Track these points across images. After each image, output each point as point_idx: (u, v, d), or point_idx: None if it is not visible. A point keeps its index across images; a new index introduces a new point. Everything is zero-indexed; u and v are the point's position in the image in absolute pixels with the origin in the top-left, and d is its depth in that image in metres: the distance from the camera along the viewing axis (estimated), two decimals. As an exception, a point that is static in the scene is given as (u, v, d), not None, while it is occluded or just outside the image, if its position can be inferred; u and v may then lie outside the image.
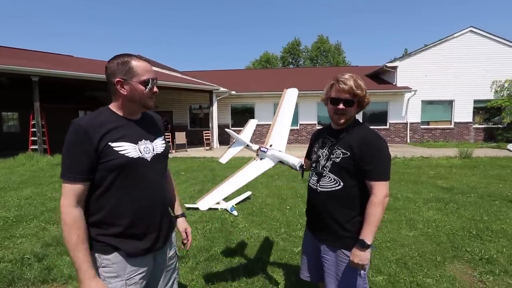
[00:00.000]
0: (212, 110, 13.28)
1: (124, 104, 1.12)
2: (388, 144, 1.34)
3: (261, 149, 1.82)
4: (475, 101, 14.15)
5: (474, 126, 14.36)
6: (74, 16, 79.43)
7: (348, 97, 1.34)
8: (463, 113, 14.26)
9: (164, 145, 1.24)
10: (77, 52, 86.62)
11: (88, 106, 14.79)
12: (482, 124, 14.38)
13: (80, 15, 79.42)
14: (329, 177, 1.38)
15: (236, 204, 4.32)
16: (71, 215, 0.99)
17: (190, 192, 5.25)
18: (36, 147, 9.29)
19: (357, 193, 1.35)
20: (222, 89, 13.41)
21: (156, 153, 1.17)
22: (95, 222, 1.06)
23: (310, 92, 13.29)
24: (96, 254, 1.06)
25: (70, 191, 1.00)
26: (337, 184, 1.36)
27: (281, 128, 1.91)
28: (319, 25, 73.17)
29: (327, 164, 1.39)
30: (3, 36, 70.97)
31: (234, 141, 2.35)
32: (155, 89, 1.15)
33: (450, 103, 14.37)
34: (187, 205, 4.24)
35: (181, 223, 1.41)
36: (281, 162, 1.68)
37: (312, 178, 1.49)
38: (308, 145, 1.70)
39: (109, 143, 1.03)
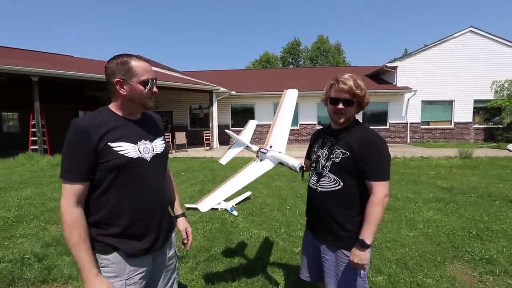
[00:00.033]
0: (212, 110, 13.28)
1: (124, 104, 1.12)
2: (388, 144, 1.34)
3: (261, 150, 1.82)
4: (475, 101, 14.15)
5: (474, 126, 14.36)
6: (74, 16, 79.60)
7: (348, 97, 1.34)
8: (463, 113, 14.26)
9: (164, 145, 1.24)
10: (77, 52, 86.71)
11: (88, 106, 14.79)
12: (482, 124, 14.38)
13: (80, 15, 79.60)
14: (329, 177, 1.38)
15: (236, 204, 4.32)
16: (71, 215, 0.99)
17: (190, 192, 5.25)
18: (36, 147, 9.29)
19: (357, 193, 1.35)
20: (222, 89, 13.42)
21: (156, 153, 1.17)
22: (95, 222, 1.06)
23: (310, 92, 13.29)
24: (96, 254, 1.06)
25: (70, 191, 1.00)
26: (336, 184, 1.36)
27: (281, 129, 1.91)
28: (319, 25, 73.31)
29: (327, 164, 1.39)
30: (3, 36, 71.12)
31: (234, 142, 2.35)
32: (155, 89, 1.15)
33: (450, 103, 14.37)
34: (187, 205, 4.24)
35: (182, 223, 1.40)
36: (281, 163, 1.68)
37: (312, 178, 1.49)
38: (308, 145, 1.70)
39: (109, 143, 1.03)
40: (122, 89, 1.08)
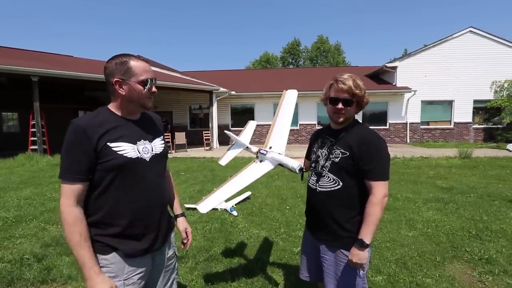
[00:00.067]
0: (212, 110, 13.28)
1: (123, 104, 1.12)
2: (388, 144, 1.35)
3: (261, 151, 1.82)
4: (475, 101, 14.16)
5: (473, 126, 14.37)
6: (74, 16, 79.60)
7: (347, 96, 1.34)
8: (462, 113, 14.27)
9: (163, 145, 1.24)
10: (77, 52, 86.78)
11: (87, 106, 14.79)
12: (481, 124, 14.39)
13: (80, 15, 79.61)
14: (328, 177, 1.38)
15: (235, 204, 4.32)
16: (72, 215, 0.99)
17: (190, 192, 5.24)
18: (35, 147, 9.28)
19: (357, 193, 1.35)
20: (222, 89, 13.42)
21: (155, 153, 1.17)
22: (94, 222, 1.06)
23: (310, 92, 13.29)
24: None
25: (70, 191, 1.00)
26: (336, 184, 1.36)
27: (281, 129, 1.91)
28: (319, 25, 73.37)
29: (326, 164, 1.39)
30: (3, 36, 71.07)
31: (233, 143, 2.35)
32: (154, 89, 1.15)
33: (449, 103, 14.38)
34: (187, 205, 4.24)
35: (181, 223, 1.40)
36: (280, 165, 1.68)
37: (312, 178, 1.49)
38: (308, 145, 1.70)
39: (108, 143, 1.03)
40: (121, 89, 1.08)
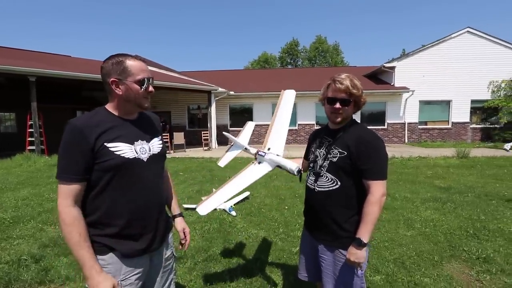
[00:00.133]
0: (211, 110, 13.27)
1: (120, 104, 1.12)
2: (386, 144, 1.35)
3: (259, 153, 1.82)
4: (472, 101, 14.23)
5: (471, 126, 14.44)
6: (74, 16, 79.26)
7: (345, 96, 1.34)
8: (460, 113, 14.34)
9: (161, 145, 1.24)
10: (77, 52, 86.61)
11: (85, 106, 14.74)
12: (479, 124, 14.47)
13: (80, 15, 79.29)
14: (327, 176, 1.39)
15: (234, 205, 4.32)
16: (70, 215, 0.99)
17: (189, 193, 5.24)
18: (33, 147, 9.24)
19: (355, 193, 1.35)
20: (220, 89, 13.41)
21: (153, 154, 1.17)
22: (91, 222, 1.05)
23: (309, 92, 13.32)
24: None
25: (67, 192, 0.99)
26: (334, 184, 1.37)
27: (279, 130, 1.91)
28: (317, 26, 73.42)
29: (325, 163, 1.40)
30: (3, 36, 70.71)
31: (232, 144, 2.35)
32: (151, 88, 1.14)
33: (447, 103, 14.44)
34: (186, 206, 4.23)
35: (179, 223, 1.40)
36: (279, 166, 1.68)
37: (310, 178, 1.49)
38: (306, 145, 1.70)
39: (105, 144, 1.03)
40: (118, 88, 1.08)
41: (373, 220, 1.27)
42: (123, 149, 1.06)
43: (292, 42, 40.31)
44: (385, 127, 14.57)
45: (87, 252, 0.98)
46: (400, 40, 72.93)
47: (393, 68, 14.31)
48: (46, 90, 11.49)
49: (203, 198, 1.65)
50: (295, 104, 2.47)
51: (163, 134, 1.34)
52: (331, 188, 1.37)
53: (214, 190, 1.69)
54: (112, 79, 1.07)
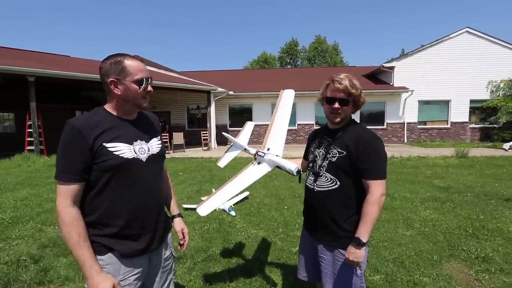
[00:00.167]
0: (210, 110, 13.27)
1: (119, 104, 1.11)
2: (385, 144, 1.35)
3: (259, 153, 1.82)
4: (471, 101, 14.27)
5: (470, 126, 14.47)
6: (74, 16, 79.08)
7: (343, 96, 1.35)
8: (459, 113, 14.38)
9: (160, 145, 1.24)
10: (76, 52, 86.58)
11: (84, 106, 14.70)
12: (478, 124, 14.51)
13: (80, 15, 79.11)
14: (326, 176, 1.39)
15: (234, 205, 4.31)
16: (69, 215, 0.98)
17: (188, 193, 5.23)
18: (32, 147, 9.23)
19: (354, 193, 1.35)
20: (220, 89, 13.41)
21: (152, 154, 1.17)
22: (90, 222, 1.05)
23: (308, 92, 13.32)
24: None
25: (66, 192, 0.99)
26: (333, 184, 1.37)
27: (279, 130, 1.91)
28: (317, 25, 73.42)
29: (324, 163, 1.40)
30: (3, 36, 70.54)
31: (231, 144, 2.35)
32: (150, 88, 1.14)
33: (446, 103, 14.48)
34: (185, 206, 4.22)
35: (178, 223, 1.40)
36: (278, 167, 1.68)
37: (309, 178, 1.49)
38: (305, 145, 1.70)
39: (104, 144, 1.02)
40: (116, 89, 1.08)
41: (372, 220, 1.27)
42: (122, 149, 1.06)
43: (291, 42, 40.32)
44: (384, 127, 14.60)
45: (87, 252, 0.98)
46: (399, 40, 73.08)
47: (392, 68, 14.33)
48: (45, 90, 11.46)
49: (202, 199, 1.65)
50: (294, 104, 2.47)
51: (163, 134, 1.34)
52: (330, 188, 1.37)
53: (213, 190, 1.69)
54: (110, 79, 1.06)
